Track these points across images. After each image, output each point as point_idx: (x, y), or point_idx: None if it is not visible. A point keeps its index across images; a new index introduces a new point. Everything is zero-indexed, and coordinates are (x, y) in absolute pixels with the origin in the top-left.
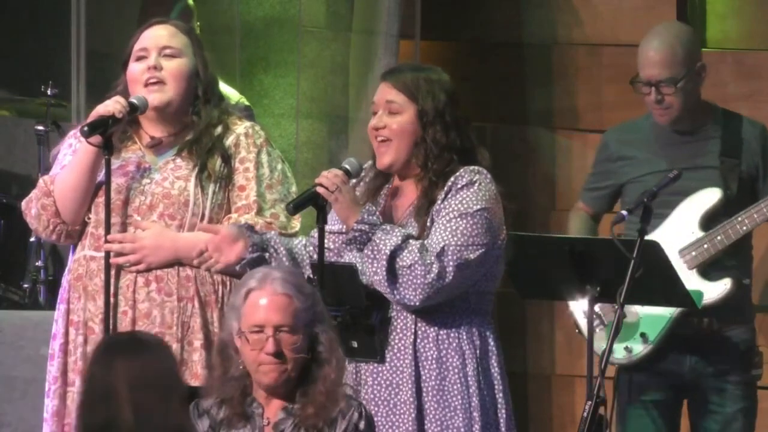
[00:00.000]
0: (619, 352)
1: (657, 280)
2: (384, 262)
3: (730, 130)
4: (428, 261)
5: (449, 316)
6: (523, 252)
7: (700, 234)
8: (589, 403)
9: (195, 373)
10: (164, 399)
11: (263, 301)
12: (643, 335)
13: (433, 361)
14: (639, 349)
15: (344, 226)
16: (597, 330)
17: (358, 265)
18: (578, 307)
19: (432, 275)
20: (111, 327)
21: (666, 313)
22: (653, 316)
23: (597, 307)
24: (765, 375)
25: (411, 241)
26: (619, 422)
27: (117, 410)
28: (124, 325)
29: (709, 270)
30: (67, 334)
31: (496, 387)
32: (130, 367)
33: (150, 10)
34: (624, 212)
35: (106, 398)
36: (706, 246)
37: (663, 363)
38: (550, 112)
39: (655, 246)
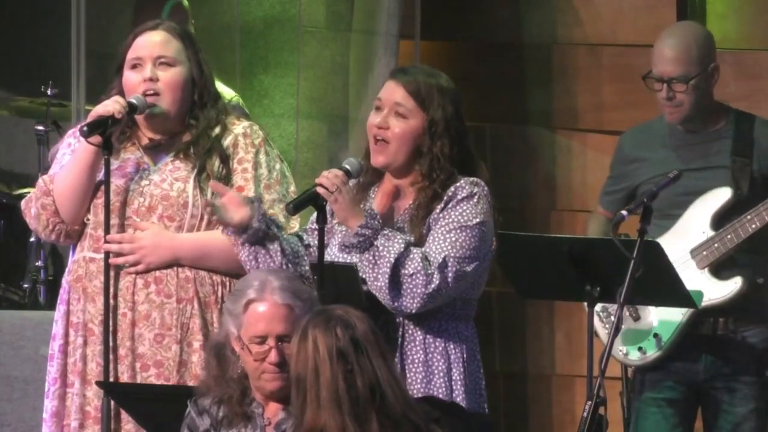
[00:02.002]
0: (634, 354)
1: (657, 280)
2: (387, 269)
3: (741, 129)
4: (430, 271)
5: (436, 321)
6: (524, 252)
7: (711, 233)
8: (589, 403)
9: (194, 374)
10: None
11: (264, 313)
12: (656, 336)
13: (420, 365)
14: (653, 349)
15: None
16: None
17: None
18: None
19: (433, 285)
20: (111, 328)
21: (679, 314)
22: (667, 318)
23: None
24: None
25: (412, 248)
26: (632, 420)
27: (375, 373)
28: (123, 327)
29: (720, 269)
30: (66, 335)
31: (483, 391)
32: (370, 329)
33: (144, 7)
34: (624, 212)
35: (364, 366)
36: (716, 245)
37: (678, 362)
38: (550, 112)
39: (655, 246)
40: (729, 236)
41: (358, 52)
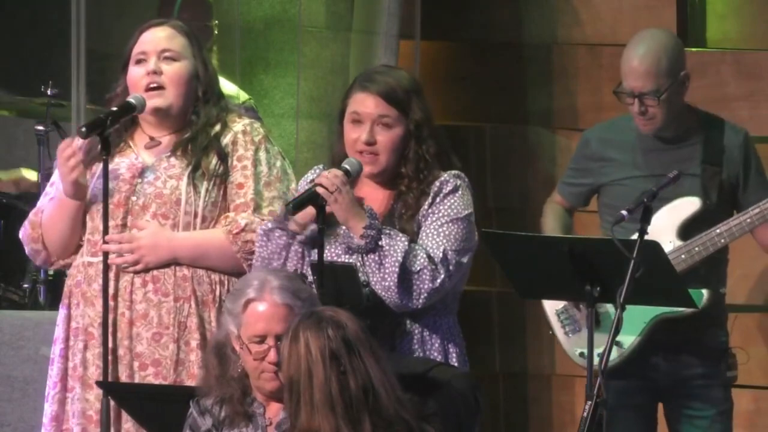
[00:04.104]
0: (595, 358)
1: (657, 280)
2: (395, 269)
3: (712, 136)
4: (433, 266)
5: (431, 317)
6: (524, 252)
7: (678, 243)
8: (589, 403)
9: (192, 374)
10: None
11: (263, 313)
12: (617, 343)
13: None
14: (613, 355)
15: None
16: (570, 335)
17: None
18: (550, 308)
19: (438, 280)
20: (111, 329)
21: (641, 321)
22: (628, 324)
23: (567, 310)
24: (758, 376)
25: (414, 245)
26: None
27: (368, 373)
28: (122, 326)
29: (685, 280)
30: (67, 339)
31: None
32: (360, 329)
33: (165, 10)
34: (624, 212)
35: (356, 366)
36: (683, 257)
37: (639, 368)
38: (550, 112)
39: (655, 246)
40: (697, 249)
41: (358, 52)
